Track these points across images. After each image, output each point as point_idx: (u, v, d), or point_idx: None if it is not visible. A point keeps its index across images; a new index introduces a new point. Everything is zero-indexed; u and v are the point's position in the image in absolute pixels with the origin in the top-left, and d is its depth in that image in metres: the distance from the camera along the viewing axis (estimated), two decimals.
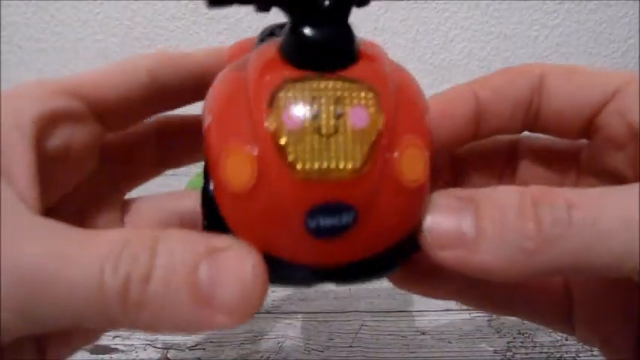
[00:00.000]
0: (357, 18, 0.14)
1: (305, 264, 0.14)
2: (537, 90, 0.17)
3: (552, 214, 0.13)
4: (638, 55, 0.55)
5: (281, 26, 0.17)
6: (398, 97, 0.14)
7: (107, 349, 0.31)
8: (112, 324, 0.12)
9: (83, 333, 0.17)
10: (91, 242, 0.12)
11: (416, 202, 0.14)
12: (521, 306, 0.19)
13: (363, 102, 0.13)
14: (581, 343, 0.31)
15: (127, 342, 0.31)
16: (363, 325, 0.33)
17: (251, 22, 0.51)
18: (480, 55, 0.54)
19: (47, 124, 0.15)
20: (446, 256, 0.14)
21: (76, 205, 0.18)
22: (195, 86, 0.19)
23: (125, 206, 0.20)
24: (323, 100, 0.13)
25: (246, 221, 0.13)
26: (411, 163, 0.13)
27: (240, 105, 0.13)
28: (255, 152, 0.13)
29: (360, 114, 0.13)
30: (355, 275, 0.14)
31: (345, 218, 0.13)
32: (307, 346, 0.31)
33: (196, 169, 0.15)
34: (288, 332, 0.32)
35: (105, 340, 0.31)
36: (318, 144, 0.12)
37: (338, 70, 0.13)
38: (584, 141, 0.18)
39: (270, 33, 0.18)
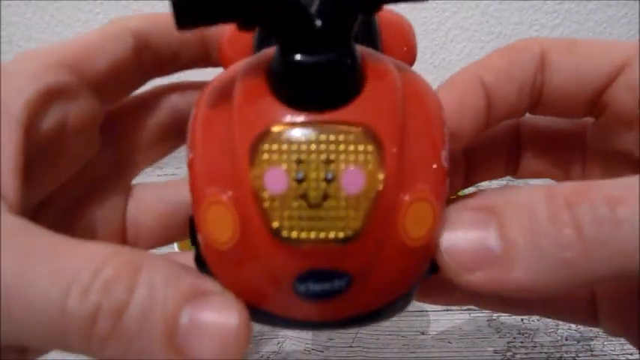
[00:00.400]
0: None
1: (294, 319, 0.13)
2: (540, 68, 0.16)
3: (593, 214, 0.11)
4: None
5: None
6: (412, 127, 0.12)
7: None
8: (72, 351, 0.11)
9: None
10: (65, 258, 0.11)
11: (421, 259, 0.12)
12: (541, 306, 0.18)
13: (360, 159, 0.11)
14: (581, 343, 0.31)
15: None
16: None
17: None
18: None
19: (41, 104, 0.14)
20: (472, 279, 0.12)
21: (77, 189, 0.17)
22: (194, 51, 0.18)
23: (130, 193, 0.19)
24: (312, 161, 0.11)
25: (229, 276, 0.12)
26: (417, 220, 0.12)
27: (223, 143, 0.12)
28: (238, 206, 0.11)
29: (354, 176, 0.11)
30: (352, 325, 0.13)
31: (338, 284, 0.11)
32: (307, 346, 0.31)
33: None
34: (288, 332, 0.32)
35: None
36: (306, 212, 0.11)
37: (334, 108, 0.11)
38: (589, 119, 0.17)
39: None
